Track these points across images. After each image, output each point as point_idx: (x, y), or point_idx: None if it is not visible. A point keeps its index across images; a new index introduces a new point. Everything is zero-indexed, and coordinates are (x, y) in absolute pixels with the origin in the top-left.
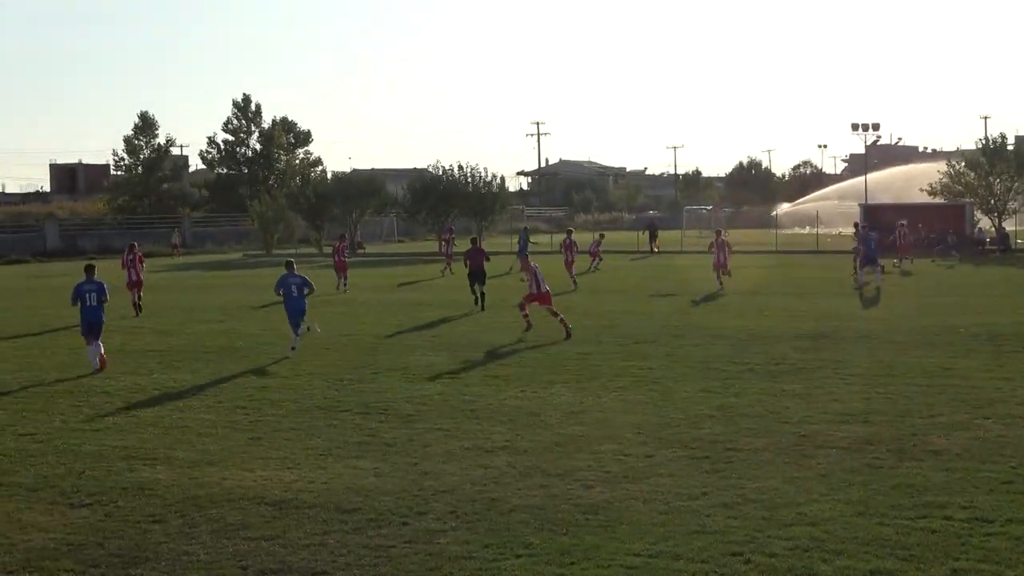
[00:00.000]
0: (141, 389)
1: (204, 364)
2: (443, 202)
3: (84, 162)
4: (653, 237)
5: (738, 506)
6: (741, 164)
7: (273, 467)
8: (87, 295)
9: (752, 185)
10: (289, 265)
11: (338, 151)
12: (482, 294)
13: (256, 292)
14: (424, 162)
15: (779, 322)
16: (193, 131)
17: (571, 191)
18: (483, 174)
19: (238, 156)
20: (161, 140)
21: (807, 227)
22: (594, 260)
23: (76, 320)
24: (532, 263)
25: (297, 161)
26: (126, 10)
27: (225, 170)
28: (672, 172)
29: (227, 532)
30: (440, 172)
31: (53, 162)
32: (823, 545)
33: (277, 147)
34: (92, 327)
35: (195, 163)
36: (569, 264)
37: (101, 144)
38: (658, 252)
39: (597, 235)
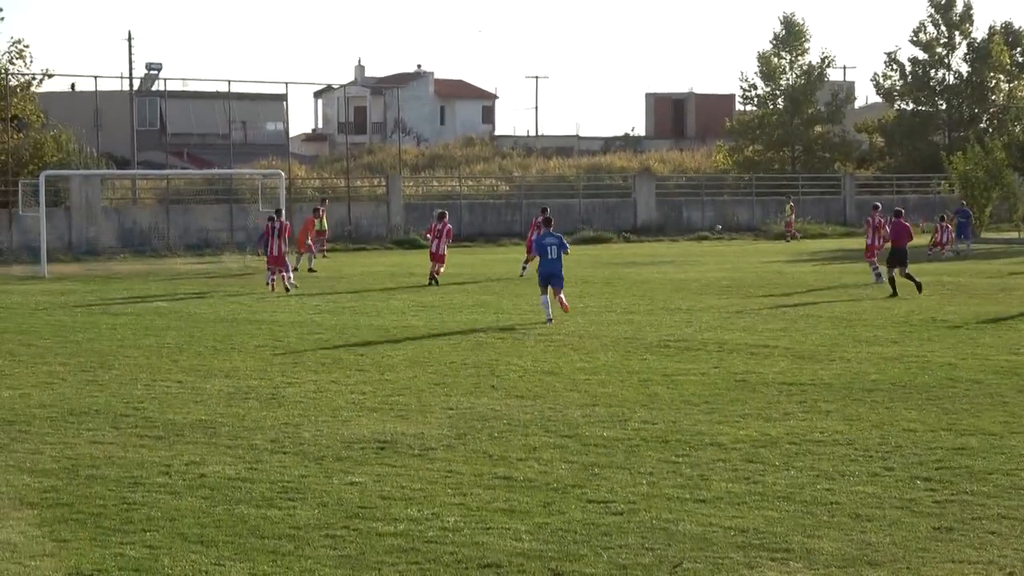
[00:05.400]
0: (770, 442)
1: (868, 408)
2: None
3: (695, 92)
4: None
5: None
6: None
7: (972, 575)
8: (548, 248)
9: None
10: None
11: None
12: (893, 278)
13: (966, 296)
14: None
15: None
16: (861, 46)
17: None
18: None
19: (932, 84)
20: (813, 59)
21: None
22: None
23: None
24: None
25: None
26: None
27: (911, 105)
28: None
29: None
30: None
31: (651, 93)
32: None
33: (994, 70)
34: (552, 278)
35: (865, 95)
36: None
37: (716, 71)
38: None
39: None
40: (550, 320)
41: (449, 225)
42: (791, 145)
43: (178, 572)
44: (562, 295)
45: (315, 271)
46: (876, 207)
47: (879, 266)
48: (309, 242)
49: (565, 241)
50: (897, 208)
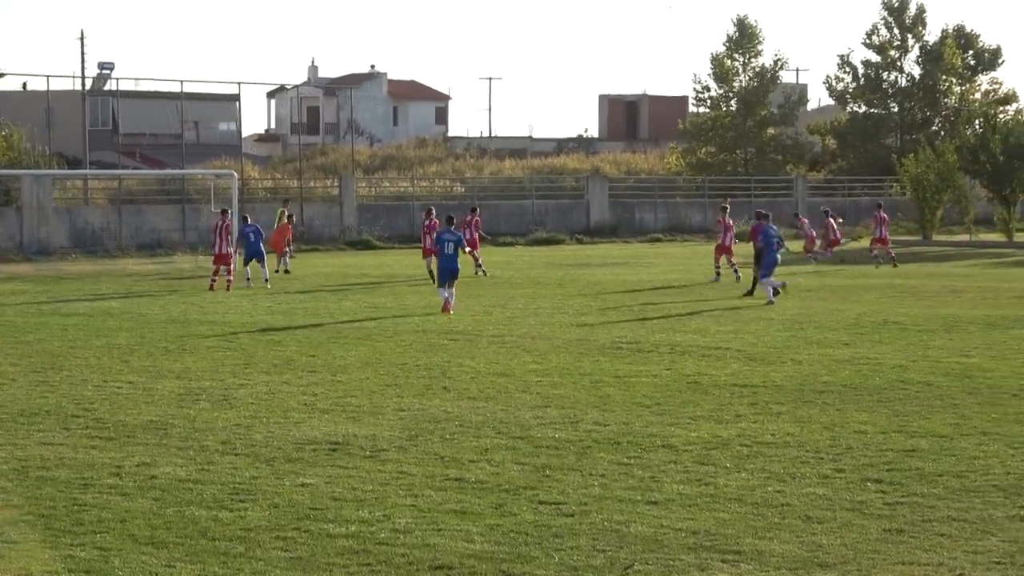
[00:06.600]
0: (721, 444)
1: (819, 410)
2: None
3: (648, 93)
4: None
5: None
6: None
7: None
8: (446, 244)
9: None
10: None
11: None
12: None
13: (917, 298)
14: None
15: None
16: (814, 49)
17: None
18: None
19: (885, 87)
20: (766, 61)
21: None
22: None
23: None
24: None
25: (977, 95)
26: None
27: (863, 108)
28: None
29: None
30: None
31: (604, 94)
32: None
33: (947, 73)
34: (450, 274)
35: (818, 97)
36: None
37: (669, 72)
38: None
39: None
40: (447, 310)
41: (478, 218)
42: (743, 147)
43: (128, 574)
44: (453, 299)
45: (278, 272)
46: (725, 208)
47: (724, 267)
48: (288, 245)
49: (463, 239)
50: (759, 211)
